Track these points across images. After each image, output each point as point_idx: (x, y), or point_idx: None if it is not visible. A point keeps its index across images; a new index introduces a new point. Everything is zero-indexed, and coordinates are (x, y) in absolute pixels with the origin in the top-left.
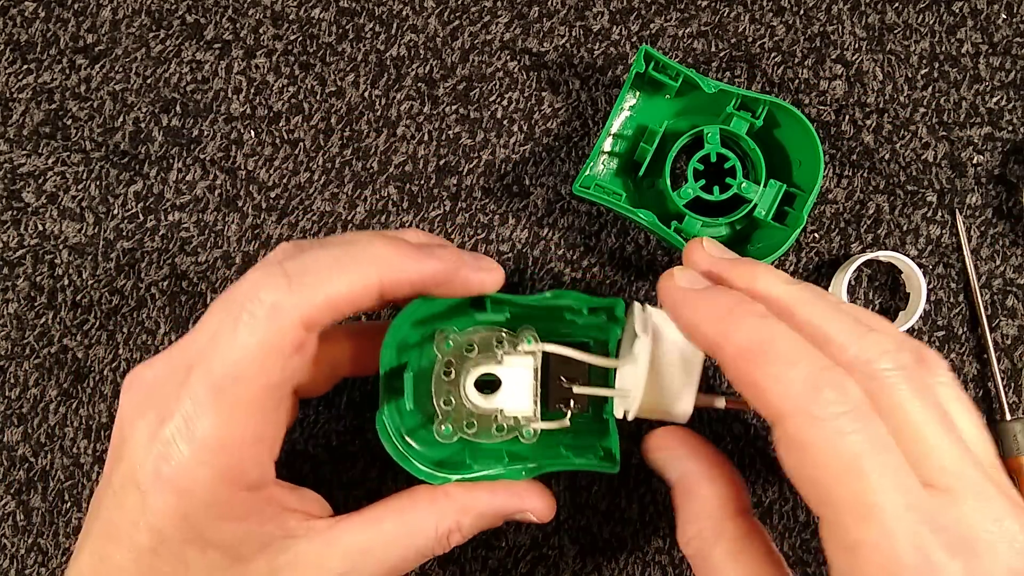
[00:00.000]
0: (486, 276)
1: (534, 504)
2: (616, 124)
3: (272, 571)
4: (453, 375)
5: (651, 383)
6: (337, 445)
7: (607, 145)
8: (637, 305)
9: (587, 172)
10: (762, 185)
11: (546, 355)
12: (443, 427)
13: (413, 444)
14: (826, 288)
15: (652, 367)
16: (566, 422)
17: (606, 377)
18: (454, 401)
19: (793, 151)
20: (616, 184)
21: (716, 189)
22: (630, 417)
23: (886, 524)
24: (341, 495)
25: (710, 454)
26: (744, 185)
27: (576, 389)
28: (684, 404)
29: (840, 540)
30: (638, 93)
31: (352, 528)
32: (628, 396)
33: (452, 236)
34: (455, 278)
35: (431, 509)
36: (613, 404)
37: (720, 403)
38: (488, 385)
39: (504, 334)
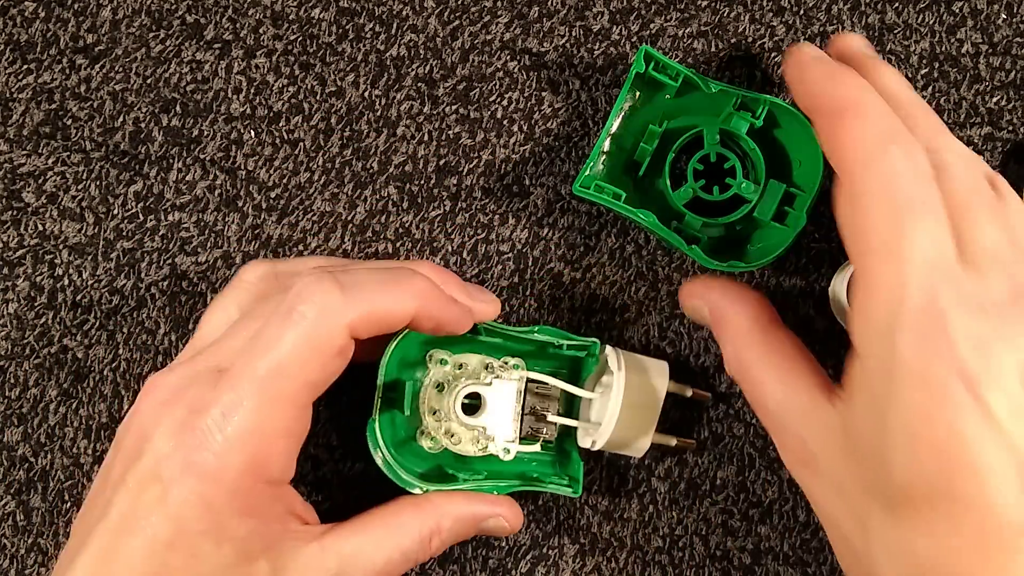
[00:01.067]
0: (485, 307)
1: (506, 511)
2: (616, 124)
3: (274, 571)
4: (443, 392)
5: (619, 419)
6: (337, 445)
7: (607, 145)
8: (609, 348)
9: (587, 172)
10: (762, 185)
11: (526, 383)
12: (429, 440)
13: (399, 456)
14: (826, 288)
15: (622, 405)
16: (538, 447)
17: (571, 409)
18: (442, 417)
19: (793, 151)
20: (616, 184)
21: (716, 189)
22: (597, 447)
23: (904, 268)
24: (341, 495)
25: (735, 285)
26: (744, 185)
27: (550, 417)
28: (644, 441)
29: (862, 282)
30: (638, 93)
31: (344, 533)
32: (597, 428)
33: (452, 236)
34: (466, 320)
35: (415, 514)
36: (578, 434)
37: (672, 441)
38: (475, 406)
39: (494, 360)
